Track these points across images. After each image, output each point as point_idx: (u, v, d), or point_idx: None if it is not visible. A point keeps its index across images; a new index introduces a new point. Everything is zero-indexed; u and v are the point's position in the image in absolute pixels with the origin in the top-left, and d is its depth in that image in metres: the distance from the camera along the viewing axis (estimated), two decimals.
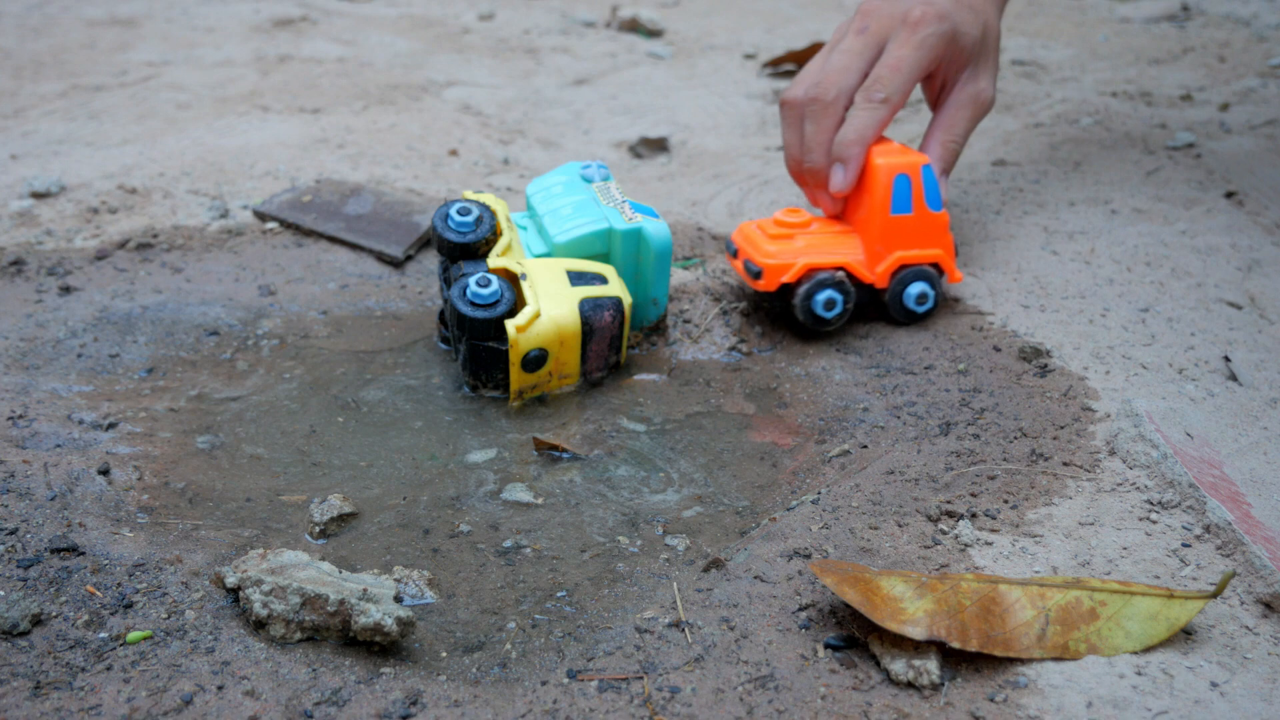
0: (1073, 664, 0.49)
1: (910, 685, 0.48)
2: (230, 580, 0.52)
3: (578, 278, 0.72)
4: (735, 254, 0.80)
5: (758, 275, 0.77)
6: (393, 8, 1.69)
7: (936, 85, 0.85)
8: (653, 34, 1.60)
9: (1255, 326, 0.77)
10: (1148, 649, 0.49)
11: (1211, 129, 1.15)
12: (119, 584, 0.54)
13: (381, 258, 0.90)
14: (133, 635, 0.50)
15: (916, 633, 0.48)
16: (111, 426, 0.68)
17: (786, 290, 0.78)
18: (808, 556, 0.56)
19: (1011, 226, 0.93)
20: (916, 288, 0.78)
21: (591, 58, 1.48)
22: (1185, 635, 0.50)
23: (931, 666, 0.48)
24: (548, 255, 0.75)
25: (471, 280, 0.70)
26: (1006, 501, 0.60)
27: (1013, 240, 0.91)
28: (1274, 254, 0.87)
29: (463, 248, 0.73)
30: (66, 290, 0.82)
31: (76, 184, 0.99)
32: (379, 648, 0.50)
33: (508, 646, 0.52)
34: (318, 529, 0.59)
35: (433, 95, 1.29)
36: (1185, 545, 0.56)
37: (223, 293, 0.84)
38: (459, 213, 0.74)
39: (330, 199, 0.97)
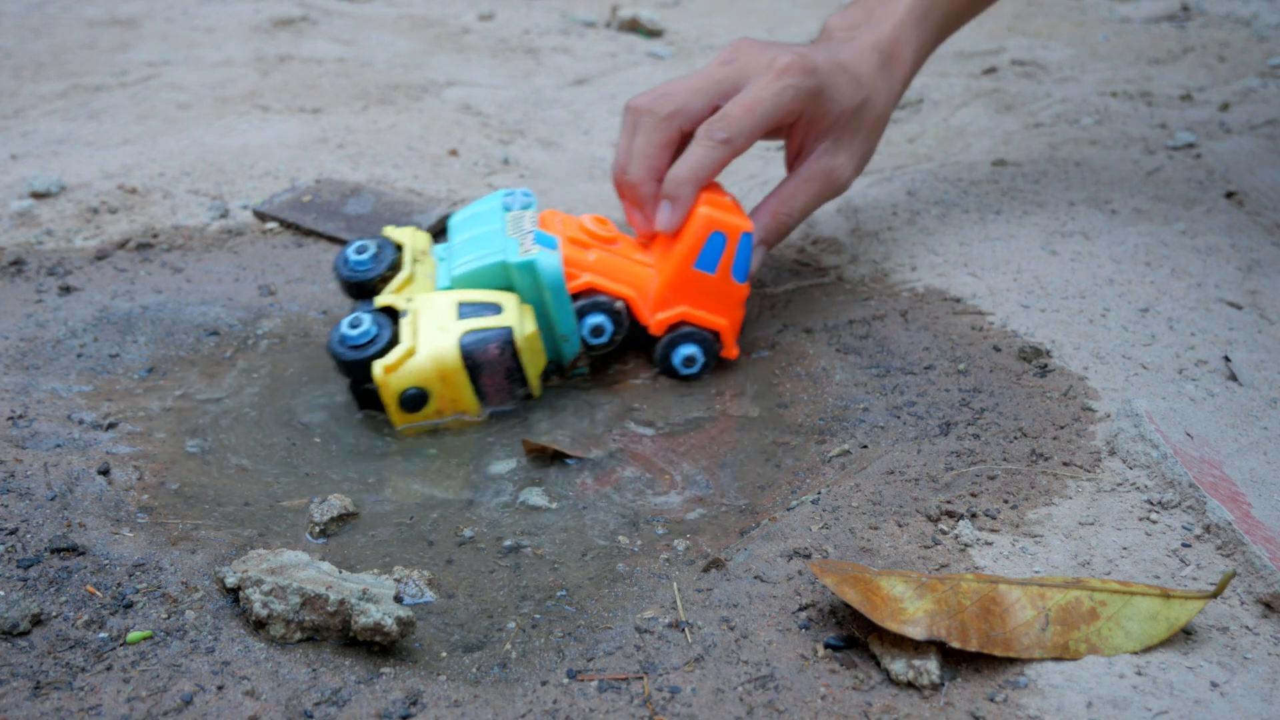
0: (1073, 664, 0.49)
1: (910, 685, 0.48)
2: (230, 580, 0.52)
3: (469, 309, 0.69)
4: None
5: None
6: (393, 8, 1.68)
7: (794, 147, 0.79)
8: (653, 34, 1.60)
9: (1255, 326, 0.77)
10: (1148, 649, 0.49)
11: (1211, 129, 1.15)
12: (119, 584, 0.54)
13: None
14: (133, 635, 0.50)
15: (916, 633, 0.48)
16: (111, 426, 0.68)
17: None
18: (808, 556, 0.56)
19: (1011, 226, 0.93)
20: (687, 349, 0.74)
21: (591, 58, 1.48)
22: (1185, 635, 0.50)
23: (931, 666, 0.48)
24: (450, 289, 0.72)
25: (344, 322, 0.68)
26: (1006, 501, 0.60)
27: (1013, 240, 0.91)
28: (1274, 254, 0.87)
29: (358, 286, 0.72)
30: (66, 290, 0.82)
31: (76, 184, 0.99)
32: (379, 648, 0.50)
33: (508, 646, 0.52)
34: (318, 529, 0.59)
35: (433, 95, 1.29)
36: (1185, 545, 0.56)
37: (223, 293, 0.84)
38: (356, 251, 0.73)
39: (330, 199, 0.97)
